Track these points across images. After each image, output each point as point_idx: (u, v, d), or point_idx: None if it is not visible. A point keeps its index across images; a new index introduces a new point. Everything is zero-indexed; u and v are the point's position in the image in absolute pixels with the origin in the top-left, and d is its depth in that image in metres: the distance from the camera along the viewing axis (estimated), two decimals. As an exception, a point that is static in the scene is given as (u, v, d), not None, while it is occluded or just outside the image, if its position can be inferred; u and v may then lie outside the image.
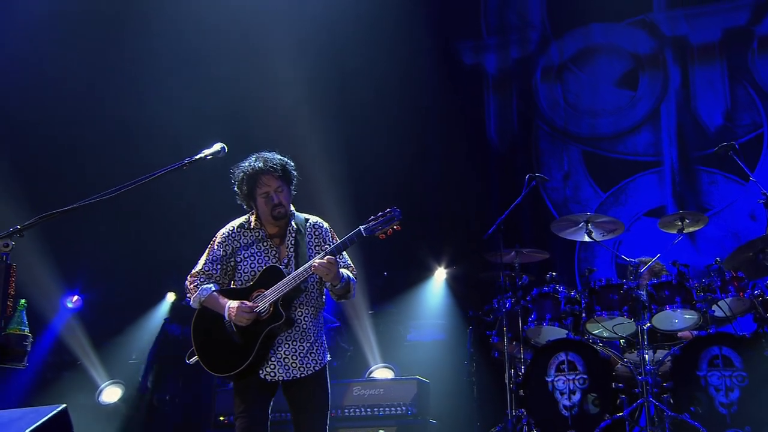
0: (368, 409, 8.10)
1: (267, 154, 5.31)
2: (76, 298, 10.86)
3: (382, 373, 9.57)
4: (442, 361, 9.71)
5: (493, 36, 12.37)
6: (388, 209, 5.10)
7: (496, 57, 12.30)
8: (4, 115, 10.09)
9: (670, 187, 11.06)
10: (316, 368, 5.18)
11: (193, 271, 5.26)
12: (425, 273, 11.01)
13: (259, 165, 5.22)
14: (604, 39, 11.83)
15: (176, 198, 10.36)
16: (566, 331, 7.43)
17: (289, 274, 5.05)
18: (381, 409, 8.07)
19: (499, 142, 12.02)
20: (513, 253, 8.08)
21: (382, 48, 11.53)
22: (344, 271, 5.20)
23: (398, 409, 8.05)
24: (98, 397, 10.10)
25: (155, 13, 10.39)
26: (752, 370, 6.65)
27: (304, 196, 9.40)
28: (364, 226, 5.07)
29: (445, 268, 10.94)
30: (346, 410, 8.12)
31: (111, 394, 10.15)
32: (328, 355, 5.36)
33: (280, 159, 5.32)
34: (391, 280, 11.03)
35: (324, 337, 5.36)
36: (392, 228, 5.06)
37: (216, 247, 5.28)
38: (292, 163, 5.40)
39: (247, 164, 5.27)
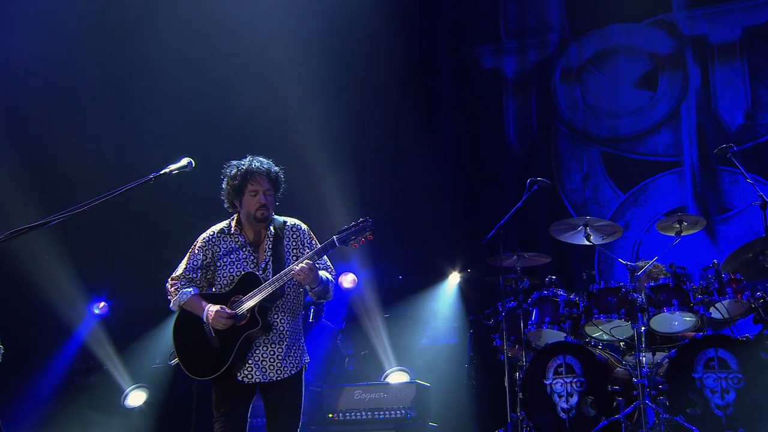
0: (369, 413, 8.25)
1: (262, 158, 5.53)
2: (102, 304, 11.13)
3: (397, 376, 9.68)
4: (456, 364, 9.77)
5: (512, 39, 12.38)
6: (361, 219, 5.25)
7: (515, 60, 12.32)
8: (19, 116, 10.25)
9: (691, 188, 10.98)
10: (293, 371, 5.31)
11: (174, 275, 5.47)
12: (440, 277, 11.08)
13: (256, 164, 5.43)
14: (623, 40, 11.77)
15: (198, 205, 10.54)
16: (565, 335, 7.48)
17: (265, 281, 5.22)
18: (381, 412, 8.20)
19: (518, 145, 12.04)
20: (515, 257, 8.14)
21: (401, 53, 11.63)
22: (323, 274, 5.37)
23: (398, 412, 8.18)
24: (124, 401, 10.34)
25: (166, 17, 10.47)
26: (748, 371, 6.64)
27: (318, 202, 9.57)
28: (337, 236, 5.23)
29: (459, 272, 10.99)
30: (347, 414, 8.27)
31: (136, 397, 10.39)
32: (307, 357, 5.48)
33: (274, 165, 5.53)
34: (406, 283, 11.12)
35: (303, 340, 5.49)
36: (365, 237, 5.20)
37: (196, 251, 5.47)
38: (282, 175, 5.56)
39: (242, 161, 5.48)
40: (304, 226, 5.60)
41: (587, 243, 7.69)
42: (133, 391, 10.41)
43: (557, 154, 11.78)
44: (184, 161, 4.91)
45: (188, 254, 5.50)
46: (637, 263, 7.57)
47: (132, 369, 10.55)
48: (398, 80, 11.50)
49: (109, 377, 10.53)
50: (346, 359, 9.94)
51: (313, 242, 5.50)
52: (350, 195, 10.19)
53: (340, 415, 8.24)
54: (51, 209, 4.50)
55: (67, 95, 10.33)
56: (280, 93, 10.44)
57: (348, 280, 10.85)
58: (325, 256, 5.46)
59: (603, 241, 7.78)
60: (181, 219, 10.67)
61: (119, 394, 10.38)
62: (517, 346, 7.90)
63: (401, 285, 11.10)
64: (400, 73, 11.58)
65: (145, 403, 10.37)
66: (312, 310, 9.83)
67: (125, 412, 10.30)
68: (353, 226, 5.24)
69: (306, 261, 5.15)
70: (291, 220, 5.59)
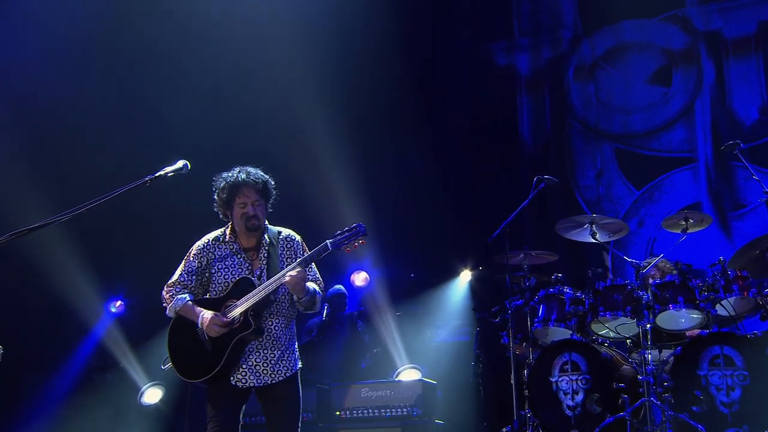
0: (375, 411, 8.31)
1: (251, 168, 5.56)
2: (119, 303, 11.27)
3: (409, 374, 9.71)
4: (466, 362, 9.78)
5: (525, 36, 12.38)
6: (354, 224, 5.30)
7: (528, 57, 12.32)
8: (21, 116, 10.31)
9: (705, 184, 10.94)
10: (287, 374, 5.37)
11: (170, 282, 5.53)
12: (452, 275, 11.10)
13: (242, 176, 5.46)
14: (637, 35, 11.73)
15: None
16: (571, 332, 7.49)
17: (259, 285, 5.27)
18: (388, 410, 8.26)
19: (532, 143, 12.04)
20: (522, 255, 8.14)
21: (414, 50, 11.67)
22: (311, 285, 5.41)
23: (404, 410, 8.23)
24: (140, 399, 10.46)
25: (168, 18, 10.52)
26: (754, 369, 6.63)
27: (328, 203, 9.58)
28: (330, 241, 5.28)
29: (470, 270, 11.00)
30: (355, 411, 8.34)
31: (152, 395, 10.51)
32: (300, 363, 5.54)
33: (262, 175, 5.56)
34: (417, 281, 11.16)
35: (296, 346, 5.56)
36: (357, 243, 5.26)
37: (192, 258, 5.54)
38: (273, 182, 5.62)
39: (230, 174, 5.52)
40: (297, 237, 5.65)
41: (594, 241, 7.68)
42: (149, 389, 10.53)
43: (571, 151, 11.77)
44: (180, 163, 4.94)
45: (183, 261, 5.57)
46: (642, 262, 7.55)
47: (148, 367, 10.65)
48: (410, 78, 11.53)
49: (125, 375, 10.67)
50: (371, 353, 10.00)
51: (305, 254, 5.53)
52: (361, 193, 10.24)
53: (348, 412, 8.30)
54: (56, 209, 4.56)
55: (69, 96, 10.41)
56: (283, 94, 10.50)
57: (360, 278, 10.93)
58: (314, 267, 5.53)
59: (609, 239, 7.78)
60: (198, 218, 10.73)
61: (135, 391, 10.50)
62: (524, 344, 7.91)
63: (413, 283, 11.14)
64: (411, 70, 11.61)
65: (160, 400, 10.49)
66: (326, 307, 9.86)
67: (141, 409, 10.42)
68: (346, 231, 5.29)
69: (297, 269, 5.20)
70: (285, 231, 5.65)
